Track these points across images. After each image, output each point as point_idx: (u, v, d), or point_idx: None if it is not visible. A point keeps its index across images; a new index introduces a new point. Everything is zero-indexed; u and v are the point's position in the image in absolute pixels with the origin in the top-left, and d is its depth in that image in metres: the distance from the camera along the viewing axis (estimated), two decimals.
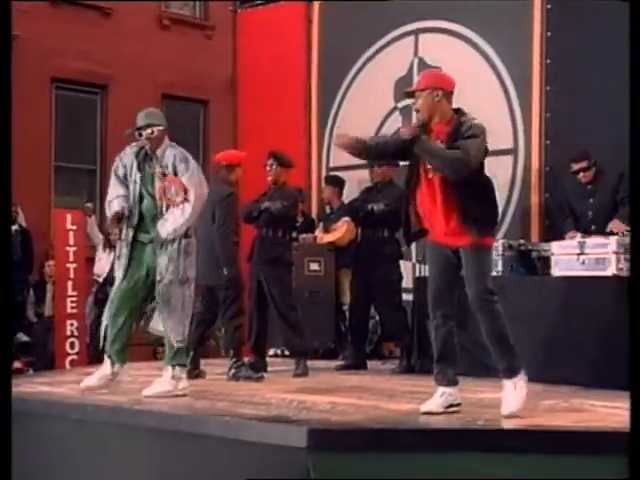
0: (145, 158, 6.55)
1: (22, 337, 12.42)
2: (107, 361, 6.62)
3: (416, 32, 10.03)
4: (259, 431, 4.99)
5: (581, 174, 8.08)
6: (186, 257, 6.42)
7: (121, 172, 6.61)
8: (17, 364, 10.97)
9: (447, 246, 5.69)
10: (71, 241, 11.13)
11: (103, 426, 5.82)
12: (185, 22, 16.85)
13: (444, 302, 5.66)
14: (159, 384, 6.27)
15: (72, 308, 11.10)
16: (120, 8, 15.60)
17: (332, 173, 10.39)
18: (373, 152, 5.95)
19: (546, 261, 7.84)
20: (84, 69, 15.22)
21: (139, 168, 6.52)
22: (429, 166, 5.61)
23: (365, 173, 10.17)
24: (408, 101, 9.73)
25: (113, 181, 6.65)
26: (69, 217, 11.24)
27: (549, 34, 8.93)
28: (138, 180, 6.50)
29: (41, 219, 14.00)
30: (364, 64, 10.43)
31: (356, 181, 10.17)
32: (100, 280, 12.24)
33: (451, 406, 5.54)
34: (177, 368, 6.35)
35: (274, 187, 8.21)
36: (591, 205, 8.08)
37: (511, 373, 5.56)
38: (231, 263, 7.64)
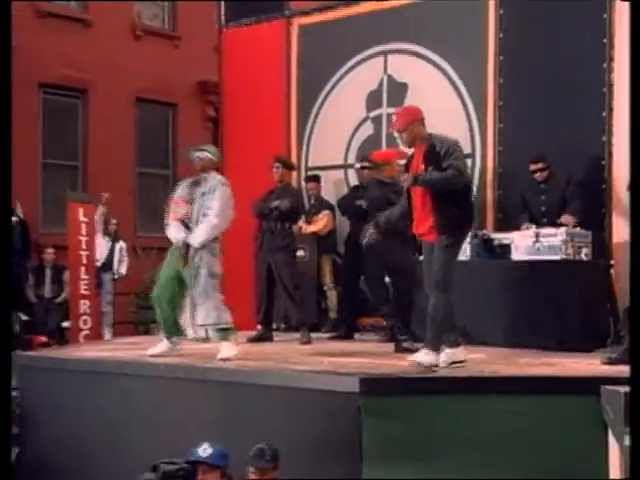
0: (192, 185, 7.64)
1: (22, 317, 13.12)
2: (164, 339, 7.60)
3: (385, 52, 10.49)
4: (318, 380, 6.04)
5: (537, 174, 8.80)
6: (213, 257, 7.39)
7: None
8: (42, 339, 11.62)
9: (428, 241, 6.72)
10: (83, 231, 11.82)
11: (176, 382, 6.78)
12: (155, 33, 17.18)
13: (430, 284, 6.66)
14: (227, 349, 7.17)
15: (85, 290, 11.80)
16: (99, 19, 15.97)
17: (311, 172, 10.93)
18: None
19: (504, 248, 8.71)
20: (67, 75, 15.56)
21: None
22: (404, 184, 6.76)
23: (337, 173, 10.92)
24: (378, 111, 10.80)
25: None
26: (82, 210, 11.85)
27: (501, 57, 9.54)
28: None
29: (32, 211, 14.64)
30: (339, 79, 10.84)
31: (332, 180, 10.92)
32: (98, 265, 12.92)
33: (454, 363, 6.62)
34: (232, 338, 7.30)
35: (280, 186, 9.16)
36: (543, 201, 8.83)
37: (430, 347, 6.47)
38: None
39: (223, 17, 12.27)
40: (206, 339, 7.35)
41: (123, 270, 13.45)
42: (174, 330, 7.59)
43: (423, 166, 6.66)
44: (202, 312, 7.26)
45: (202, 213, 7.39)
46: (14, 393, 10.18)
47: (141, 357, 7.53)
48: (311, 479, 5.75)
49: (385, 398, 5.80)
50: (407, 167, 6.98)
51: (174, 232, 7.56)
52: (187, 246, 7.44)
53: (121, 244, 13.51)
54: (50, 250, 13.15)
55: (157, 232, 16.45)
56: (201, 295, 7.27)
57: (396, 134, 9.65)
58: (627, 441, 5.67)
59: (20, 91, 14.83)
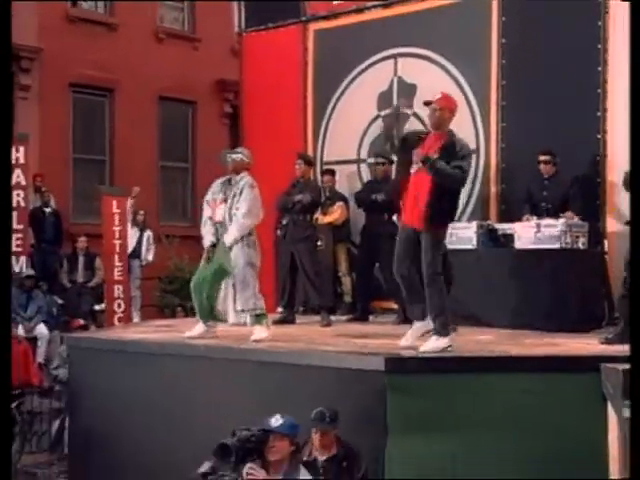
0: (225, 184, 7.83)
1: (58, 300, 13.40)
2: (200, 322, 7.83)
3: (395, 56, 10.60)
4: (347, 360, 6.28)
5: (542, 166, 8.96)
6: (249, 249, 7.62)
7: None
8: (80, 322, 11.84)
9: (411, 227, 6.77)
10: (116, 222, 12.06)
11: (214, 361, 7.02)
12: (176, 35, 17.27)
13: (402, 266, 6.84)
14: (260, 332, 7.43)
15: (118, 275, 12.07)
16: (124, 23, 16.10)
17: (326, 167, 10.98)
18: None
19: (508, 237, 8.90)
20: (95, 76, 15.74)
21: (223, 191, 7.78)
22: (414, 169, 6.66)
23: (350, 167, 11.04)
24: (388, 110, 10.95)
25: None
26: (115, 203, 12.12)
27: (504, 61, 9.68)
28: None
29: (64, 202, 14.83)
30: (352, 80, 10.94)
31: (345, 173, 11.00)
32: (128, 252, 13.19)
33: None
34: (264, 322, 7.58)
35: (302, 180, 9.41)
36: (546, 197, 8.98)
37: (439, 332, 6.55)
38: None
39: (243, 22, 12.36)
40: (244, 324, 7.61)
41: (150, 257, 13.71)
42: (210, 315, 7.83)
43: (435, 155, 6.65)
44: (242, 299, 7.51)
45: (234, 213, 7.62)
46: (56, 372, 10.48)
47: (180, 339, 7.76)
48: None
49: (408, 376, 6.04)
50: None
51: (205, 235, 7.84)
52: (214, 246, 7.72)
53: (148, 233, 13.75)
54: (83, 239, 13.40)
55: (178, 221, 16.86)
56: (240, 283, 7.52)
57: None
58: (625, 413, 5.93)
59: (52, 91, 15.15)
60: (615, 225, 9.05)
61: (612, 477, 5.94)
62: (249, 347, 7.08)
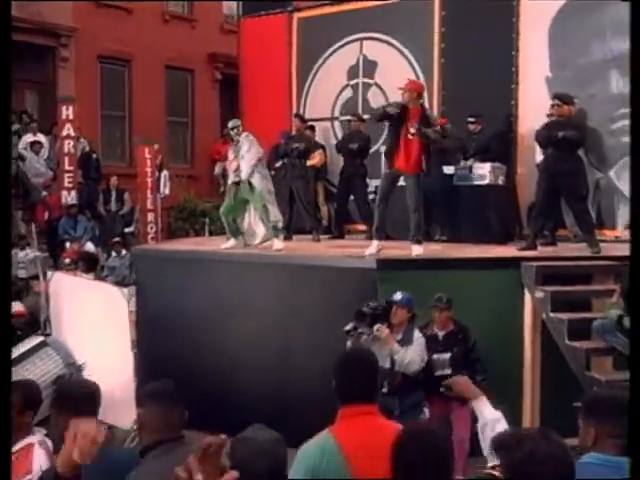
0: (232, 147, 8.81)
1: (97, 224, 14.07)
2: (231, 238, 8.79)
3: (361, 39, 11.29)
4: (349, 262, 7.26)
5: (470, 125, 9.84)
6: (265, 180, 8.62)
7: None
8: (114, 240, 12.48)
9: (400, 171, 7.87)
10: (148, 164, 12.82)
11: (249, 265, 7.98)
12: (178, 17, 17.65)
13: (384, 197, 7.92)
14: (278, 243, 8.42)
15: (150, 205, 12.87)
16: (138, 8, 16.48)
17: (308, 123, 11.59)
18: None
19: (449, 176, 9.91)
20: (117, 49, 16.19)
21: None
22: (411, 131, 7.79)
23: (325, 124, 11.79)
24: (355, 80, 11.76)
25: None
26: (146, 150, 12.88)
27: (443, 45, 10.50)
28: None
29: (95, 149, 15.37)
30: (328, 57, 11.59)
31: (321, 128, 11.75)
32: None
33: None
34: (280, 236, 8.57)
35: (297, 133, 10.25)
36: (474, 146, 9.84)
37: (419, 242, 7.75)
38: None
39: (241, 10, 12.93)
40: (267, 240, 8.57)
41: (167, 191, 14.46)
42: (237, 233, 8.82)
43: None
44: (272, 214, 8.47)
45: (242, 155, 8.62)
46: (106, 279, 11.28)
47: (220, 249, 8.64)
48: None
49: (392, 272, 7.03)
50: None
51: (229, 178, 8.83)
52: (237, 183, 8.69)
53: (165, 172, 14.46)
54: (114, 177, 14.08)
55: (180, 164, 17.58)
56: (268, 203, 8.49)
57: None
58: (537, 294, 7.13)
59: (85, 62, 15.68)
60: (524, 168, 10.13)
61: (526, 336, 7.14)
62: (275, 254, 8.00)
